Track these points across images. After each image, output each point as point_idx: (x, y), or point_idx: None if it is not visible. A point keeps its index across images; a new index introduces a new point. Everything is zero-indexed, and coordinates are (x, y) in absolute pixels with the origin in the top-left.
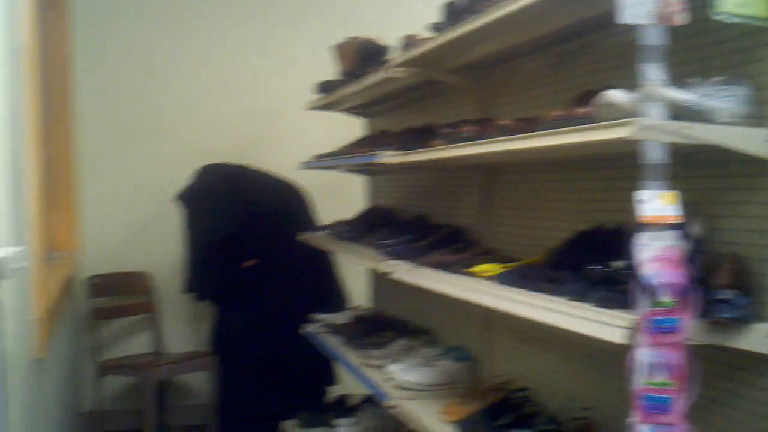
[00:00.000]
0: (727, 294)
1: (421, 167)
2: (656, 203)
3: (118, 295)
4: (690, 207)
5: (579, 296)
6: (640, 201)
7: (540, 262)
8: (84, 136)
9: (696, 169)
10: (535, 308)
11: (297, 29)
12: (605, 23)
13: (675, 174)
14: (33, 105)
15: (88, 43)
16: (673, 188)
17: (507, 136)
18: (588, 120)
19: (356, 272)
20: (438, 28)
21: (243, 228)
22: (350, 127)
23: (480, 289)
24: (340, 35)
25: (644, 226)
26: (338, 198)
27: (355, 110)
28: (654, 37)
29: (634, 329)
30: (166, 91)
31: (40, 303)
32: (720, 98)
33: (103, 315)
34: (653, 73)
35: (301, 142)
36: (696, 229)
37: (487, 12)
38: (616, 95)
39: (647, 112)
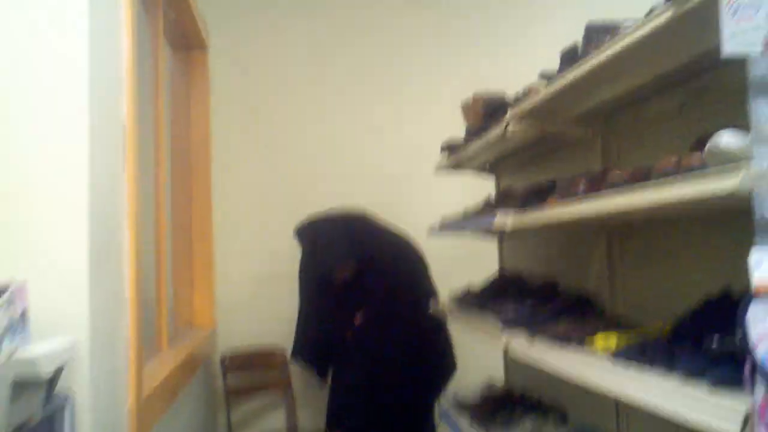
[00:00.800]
0: None
1: (548, 229)
2: None
3: (252, 371)
4: None
5: (695, 375)
6: (754, 264)
7: (662, 332)
8: (218, 209)
9: None
10: (648, 391)
11: (429, 87)
12: None
13: None
14: (132, 177)
15: (223, 114)
16: None
17: (616, 190)
18: (700, 168)
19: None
20: (547, 76)
21: (357, 273)
22: (485, 187)
23: (592, 367)
24: (472, 91)
25: (758, 295)
26: (474, 262)
27: (485, 168)
28: (765, 69)
29: (746, 421)
30: (297, 158)
31: (137, 391)
32: None
33: (237, 392)
34: (765, 112)
35: (434, 204)
36: None
37: (594, 54)
38: (725, 138)
39: (759, 157)
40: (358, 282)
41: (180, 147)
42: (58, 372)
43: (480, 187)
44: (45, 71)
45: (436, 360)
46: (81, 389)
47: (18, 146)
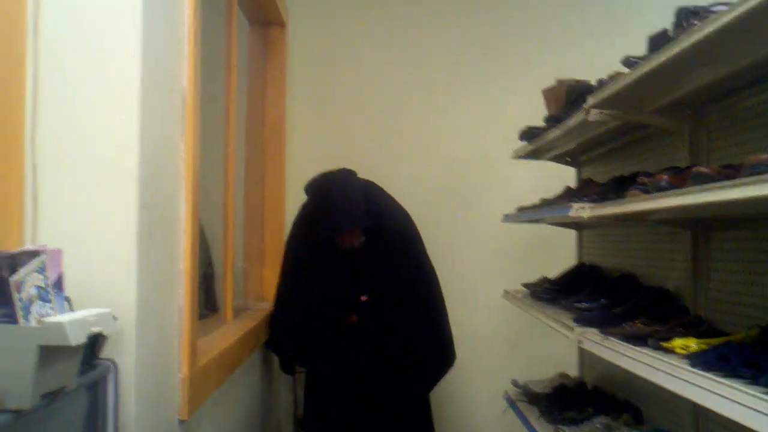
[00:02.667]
0: None
1: (630, 222)
2: None
3: None
4: None
5: None
6: None
7: (746, 339)
8: (291, 188)
9: None
10: (725, 400)
11: (511, 73)
12: None
13: None
14: (191, 156)
15: (299, 93)
16: None
17: (703, 185)
18: None
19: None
20: (631, 62)
21: (366, 243)
22: (565, 177)
23: (669, 371)
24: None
25: None
26: (549, 253)
27: (565, 158)
28: None
29: None
30: (371, 142)
31: (191, 361)
32: None
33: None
34: None
35: (511, 193)
36: None
37: (683, 38)
38: None
39: None
40: (365, 254)
41: (255, 124)
42: (98, 341)
43: (559, 178)
44: (94, 30)
45: (442, 349)
46: (127, 359)
47: (66, 110)
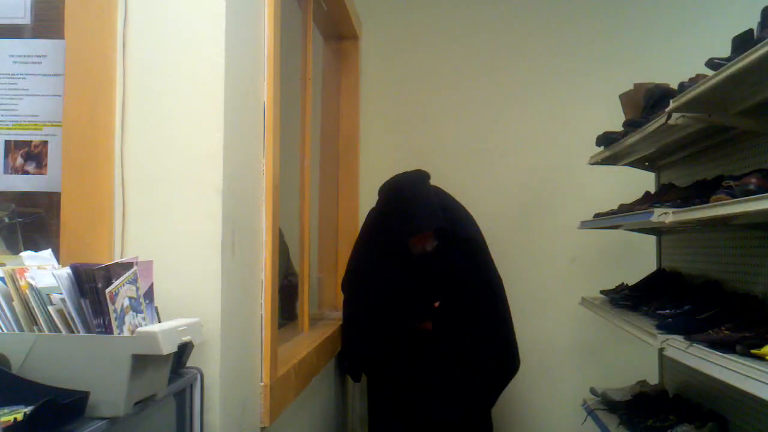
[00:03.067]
0: None
1: (714, 226)
2: None
3: None
4: None
5: None
6: None
7: None
8: (364, 200)
9: None
10: None
11: (588, 78)
12: None
13: None
14: (273, 159)
15: (372, 107)
16: None
17: None
18: None
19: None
20: (715, 64)
21: (439, 249)
22: (642, 183)
23: (759, 377)
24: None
25: None
26: (627, 259)
27: (644, 163)
28: None
29: None
30: (444, 153)
31: (272, 370)
32: None
33: None
34: None
35: (587, 199)
36: None
37: None
38: None
39: None
40: (437, 259)
41: (330, 136)
42: (186, 349)
43: (637, 184)
44: (179, 48)
45: (511, 356)
46: (212, 367)
47: (152, 127)
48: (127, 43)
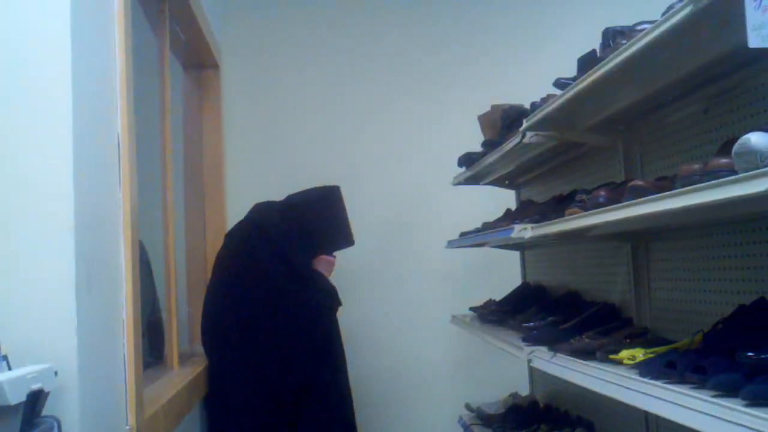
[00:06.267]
0: None
1: (571, 239)
2: None
3: None
4: None
5: (728, 391)
6: None
7: (692, 345)
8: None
9: None
10: (675, 407)
11: (446, 100)
12: None
13: None
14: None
15: (236, 134)
16: None
17: (638, 198)
18: (728, 173)
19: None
20: (562, 84)
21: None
22: (505, 201)
23: (618, 382)
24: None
25: None
26: (494, 275)
27: (504, 182)
28: None
29: None
30: (313, 177)
31: (138, 412)
32: None
33: None
34: None
35: (452, 218)
36: None
37: (611, 57)
38: (755, 137)
39: None
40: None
41: (194, 166)
42: (39, 398)
43: (500, 201)
44: (23, 77)
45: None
46: (71, 414)
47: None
48: None
